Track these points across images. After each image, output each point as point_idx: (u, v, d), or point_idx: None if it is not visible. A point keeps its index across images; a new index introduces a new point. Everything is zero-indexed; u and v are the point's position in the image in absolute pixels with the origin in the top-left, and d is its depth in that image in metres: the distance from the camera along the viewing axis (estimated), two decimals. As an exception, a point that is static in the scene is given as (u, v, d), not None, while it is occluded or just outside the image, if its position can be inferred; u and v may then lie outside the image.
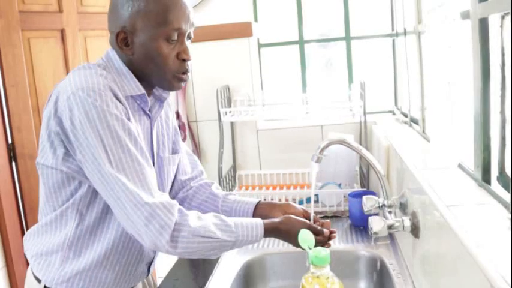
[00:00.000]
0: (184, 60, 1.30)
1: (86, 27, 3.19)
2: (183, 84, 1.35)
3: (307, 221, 1.36)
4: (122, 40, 1.29)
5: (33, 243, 1.38)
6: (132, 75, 1.31)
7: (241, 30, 2.49)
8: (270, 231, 1.32)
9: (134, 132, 1.22)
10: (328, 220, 1.42)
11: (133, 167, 1.20)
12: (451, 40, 1.60)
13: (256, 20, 2.66)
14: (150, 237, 1.18)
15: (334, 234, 1.37)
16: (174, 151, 1.53)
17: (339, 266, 1.76)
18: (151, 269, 1.51)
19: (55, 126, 1.22)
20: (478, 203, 1.10)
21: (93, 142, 1.17)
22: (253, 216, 1.48)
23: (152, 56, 1.28)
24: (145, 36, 1.27)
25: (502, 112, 1.16)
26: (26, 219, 3.24)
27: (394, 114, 2.48)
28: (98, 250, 1.33)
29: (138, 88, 1.31)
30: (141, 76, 1.32)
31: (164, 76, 1.31)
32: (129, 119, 1.24)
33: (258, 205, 1.50)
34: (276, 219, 1.35)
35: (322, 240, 1.33)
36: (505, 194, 1.10)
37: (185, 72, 1.32)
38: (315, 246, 1.25)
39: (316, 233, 1.32)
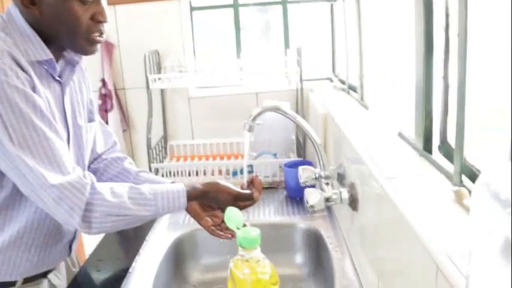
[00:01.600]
0: (100, 22, 1.16)
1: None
2: (96, 47, 1.21)
3: (235, 188, 1.28)
4: None
5: None
6: (38, 37, 1.15)
7: (171, -8, 2.33)
8: (195, 199, 1.27)
9: (39, 104, 1.08)
10: (258, 177, 1.35)
11: (40, 143, 1.07)
12: (392, 3, 1.52)
13: (187, -20, 2.49)
14: (61, 218, 1.10)
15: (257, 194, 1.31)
16: (90, 119, 1.39)
17: (274, 239, 1.69)
18: (73, 247, 1.39)
19: None
20: (419, 174, 1.03)
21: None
22: None
23: (63, 18, 1.13)
24: None
25: (445, 77, 1.08)
26: None
27: (331, 81, 2.40)
28: (9, 231, 1.21)
29: (44, 53, 1.15)
30: (49, 39, 1.16)
31: (76, 39, 1.16)
32: (34, 88, 1.10)
33: None
34: (201, 186, 1.27)
35: (253, 203, 1.29)
36: (446, 164, 1.04)
37: (99, 34, 1.18)
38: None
39: (245, 198, 1.27)
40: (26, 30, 1.14)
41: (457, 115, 0.93)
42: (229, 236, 1.27)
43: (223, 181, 1.30)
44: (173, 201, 1.20)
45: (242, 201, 1.28)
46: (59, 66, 1.22)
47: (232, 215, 0.93)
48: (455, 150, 0.94)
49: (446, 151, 1.09)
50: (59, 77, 1.23)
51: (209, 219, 1.30)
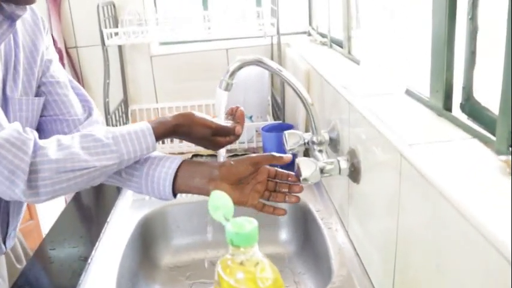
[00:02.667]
0: None
1: None
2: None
3: (214, 120, 1.08)
4: None
5: None
6: None
7: None
8: (164, 136, 1.04)
9: None
10: (240, 108, 1.15)
11: None
12: None
13: None
14: None
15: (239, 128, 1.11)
16: (39, 93, 1.13)
17: (253, 213, 1.48)
18: (8, 244, 1.16)
19: None
20: (447, 138, 0.83)
21: None
22: None
23: None
24: None
25: (473, 19, 0.87)
26: None
27: (309, 35, 2.17)
28: None
29: None
30: None
31: None
32: None
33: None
34: (170, 119, 1.05)
35: (236, 139, 1.12)
36: (475, 125, 0.84)
37: None
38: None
39: (226, 132, 1.09)
40: None
41: (504, 66, 0.72)
42: (282, 211, 1.08)
43: (199, 112, 1.08)
44: (138, 142, 0.98)
45: (223, 136, 1.08)
46: None
47: (219, 202, 0.66)
48: (502, 110, 0.73)
49: (473, 109, 0.89)
50: None
51: (255, 194, 1.06)
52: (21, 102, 1.07)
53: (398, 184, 0.84)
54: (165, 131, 1.03)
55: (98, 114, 1.23)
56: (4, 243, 1.15)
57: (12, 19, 0.99)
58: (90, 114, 1.21)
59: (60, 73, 1.17)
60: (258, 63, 1.16)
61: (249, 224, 0.66)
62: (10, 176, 0.86)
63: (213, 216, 0.68)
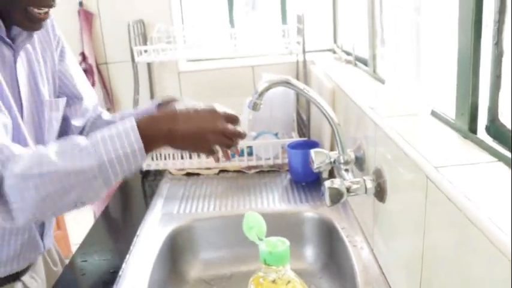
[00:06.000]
0: None
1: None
2: (39, 25, 1.01)
3: (222, 108, 1.05)
4: None
5: None
6: None
7: (156, -46, 2.10)
8: (156, 132, 0.95)
9: None
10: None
11: None
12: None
13: None
14: None
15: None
16: (57, 95, 1.18)
17: (279, 230, 1.49)
18: (45, 240, 1.20)
19: None
20: (473, 161, 0.84)
21: None
22: None
23: None
24: None
25: (498, 43, 0.89)
26: None
27: (334, 52, 2.20)
28: None
29: None
30: None
31: (13, 11, 0.97)
32: None
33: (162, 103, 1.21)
34: (166, 112, 1.00)
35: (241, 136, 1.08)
36: (501, 148, 0.86)
37: (43, 10, 0.98)
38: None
39: (235, 119, 1.06)
40: None
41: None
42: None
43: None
44: (119, 140, 0.91)
45: (233, 123, 1.05)
46: (14, 29, 1.03)
47: (253, 223, 0.69)
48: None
49: (498, 132, 0.90)
50: (11, 40, 1.02)
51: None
52: (52, 104, 1.13)
53: (424, 205, 0.86)
54: (153, 123, 0.96)
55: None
56: (42, 239, 1.19)
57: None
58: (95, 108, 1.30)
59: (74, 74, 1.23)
60: (286, 84, 1.19)
61: (281, 244, 0.69)
62: None
63: (247, 236, 0.71)
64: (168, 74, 2.20)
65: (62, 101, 1.17)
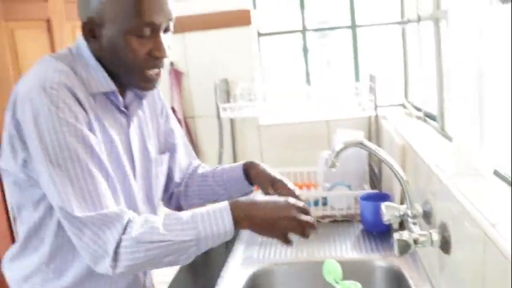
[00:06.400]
0: (157, 58, 1.14)
1: (74, 16, 2.96)
2: (152, 85, 1.19)
3: (296, 201, 1.14)
4: (89, 31, 1.13)
5: (13, 267, 1.25)
6: (102, 69, 1.15)
7: (239, 19, 2.33)
8: (244, 217, 1.09)
9: (89, 140, 1.08)
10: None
11: (83, 178, 1.06)
12: (482, 26, 1.43)
13: (254, 7, 2.48)
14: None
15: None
16: (163, 151, 1.37)
17: (350, 277, 1.61)
18: (147, 280, 1.38)
19: (13, 128, 1.09)
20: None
21: (38, 151, 1.05)
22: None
23: (119, 52, 1.12)
24: (113, 29, 1.11)
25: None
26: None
27: (404, 108, 2.32)
28: (79, 266, 1.18)
29: (108, 85, 1.16)
30: (112, 71, 1.16)
31: (132, 75, 1.16)
32: (89, 123, 1.10)
33: (245, 167, 1.37)
34: (249, 200, 1.13)
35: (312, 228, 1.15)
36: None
37: (156, 70, 1.16)
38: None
39: (306, 212, 1.14)
40: (91, 63, 1.16)
41: None
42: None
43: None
44: (215, 220, 1.07)
45: (305, 213, 1.14)
46: (127, 99, 1.23)
47: (331, 268, 0.85)
48: None
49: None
50: (126, 108, 1.22)
51: None
52: (157, 160, 1.32)
53: (483, 260, 0.96)
54: (244, 215, 1.10)
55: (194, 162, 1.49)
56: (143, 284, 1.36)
57: (140, 97, 1.26)
58: (191, 164, 1.47)
59: (175, 132, 1.43)
60: (360, 145, 1.33)
61: (354, 286, 0.82)
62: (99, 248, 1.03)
63: (326, 279, 0.85)
64: (249, 127, 2.39)
65: (166, 157, 1.37)
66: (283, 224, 1.11)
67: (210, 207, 1.10)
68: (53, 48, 3.19)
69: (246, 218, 1.10)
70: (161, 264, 1.09)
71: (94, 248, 1.04)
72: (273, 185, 1.30)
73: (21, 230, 1.22)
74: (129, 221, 1.06)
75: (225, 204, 1.09)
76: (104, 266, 1.05)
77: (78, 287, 1.20)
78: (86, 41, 1.15)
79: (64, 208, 1.04)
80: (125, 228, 1.05)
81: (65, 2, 2.97)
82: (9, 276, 1.25)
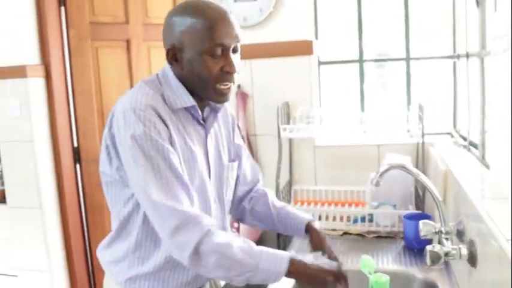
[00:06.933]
0: (228, 73, 1.39)
1: (151, 38, 3.32)
2: (225, 98, 1.43)
3: (336, 269, 1.34)
4: (172, 56, 1.40)
5: (106, 253, 1.52)
6: (184, 88, 1.42)
7: (303, 49, 2.56)
8: (295, 270, 1.30)
9: (168, 153, 1.32)
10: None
11: (166, 177, 1.31)
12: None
13: (316, 38, 2.71)
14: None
15: None
16: (232, 159, 1.63)
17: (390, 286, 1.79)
18: None
19: (109, 139, 1.37)
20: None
21: (128, 159, 1.32)
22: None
23: (198, 71, 1.38)
24: (191, 53, 1.37)
25: None
26: (87, 218, 3.40)
27: (452, 136, 2.48)
28: (159, 256, 1.43)
29: (189, 100, 1.42)
30: (192, 89, 1.42)
31: (206, 88, 1.40)
32: (170, 138, 1.35)
33: (308, 227, 1.60)
34: (305, 260, 1.33)
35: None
36: None
37: (227, 84, 1.40)
38: None
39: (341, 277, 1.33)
40: (174, 83, 1.42)
41: None
42: None
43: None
44: (275, 262, 1.27)
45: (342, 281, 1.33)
46: (205, 113, 1.49)
47: (367, 262, 1.12)
48: None
49: None
50: (204, 121, 1.48)
51: None
52: (228, 167, 1.58)
53: (499, 272, 1.14)
54: (298, 268, 1.29)
55: (261, 183, 1.73)
56: None
57: (215, 111, 1.52)
58: (258, 181, 1.72)
59: (242, 147, 1.68)
60: (402, 168, 1.53)
61: (383, 277, 1.04)
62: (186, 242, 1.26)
63: (362, 270, 1.08)
64: (305, 147, 2.61)
65: (235, 164, 1.63)
66: (324, 285, 1.31)
67: (276, 251, 1.32)
68: (130, 65, 3.54)
69: (296, 273, 1.30)
70: (220, 275, 1.32)
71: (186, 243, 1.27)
72: (323, 248, 1.52)
73: (113, 222, 1.49)
74: (214, 228, 1.30)
75: (287, 255, 1.30)
76: (185, 258, 1.28)
77: (157, 273, 1.45)
78: (169, 64, 1.43)
79: (145, 192, 1.29)
80: (207, 231, 1.28)
81: (143, 25, 3.31)
82: (102, 260, 1.53)
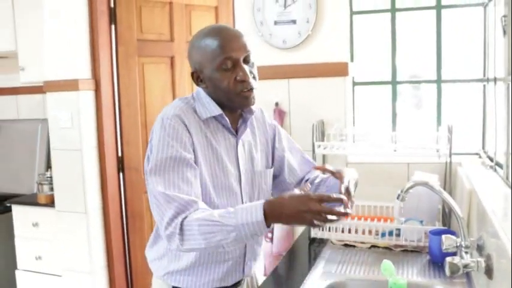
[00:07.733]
0: (243, 81, 1.55)
1: (195, 55, 3.47)
2: (249, 100, 1.59)
3: (310, 205, 1.35)
4: (197, 78, 1.60)
5: (151, 251, 1.73)
6: (212, 101, 1.61)
7: (338, 70, 2.69)
8: (271, 214, 1.37)
9: (182, 156, 1.50)
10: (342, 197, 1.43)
11: (177, 174, 1.50)
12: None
13: (352, 60, 2.84)
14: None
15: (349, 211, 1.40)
16: (268, 166, 1.78)
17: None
18: (246, 269, 1.75)
19: (148, 149, 1.58)
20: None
21: (152, 160, 1.52)
22: None
23: (217, 85, 1.57)
24: (209, 71, 1.56)
25: None
26: (128, 224, 3.58)
27: (480, 157, 2.57)
28: (191, 254, 1.62)
29: (216, 109, 1.60)
30: (220, 103, 1.60)
31: (230, 98, 1.58)
32: (192, 144, 1.54)
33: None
34: (279, 198, 1.41)
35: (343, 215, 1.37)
36: None
37: (247, 89, 1.56)
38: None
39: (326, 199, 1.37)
40: (205, 99, 1.62)
41: None
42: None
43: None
44: (251, 213, 1.36)
45: (328, 201, 1.37)
46: (238, 124, 1.67)
47: (387, 266, 1.28)
48: None
49: None
50: (236, 131, 1.66)
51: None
52: (260, 174, 1.73)
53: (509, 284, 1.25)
54: (274, 204, 1.39)
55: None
56: (243, 269, 1.74)
57: (245, 122, 1.68)
58: (310, 169, 1.90)
59: (287, 152, 1.85)
60: (425, 185, 1.65)
61: (402, 280, 1.18)
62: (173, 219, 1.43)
63: (383, 273, 1.21)
64: (338, 163, 2.71)
65: (270, 171, 1.78)
66: (307, 217, 1.37)
67: (251, 203, 1.43)
68: (173, 81, 3.74)
69: (274, 217, 1.38)
70: (214, 242, 1.39)
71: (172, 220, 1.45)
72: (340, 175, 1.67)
73: (155, 223, 1.65)
74: (196, 207, 1.45)
75: (260, 202, 1.40)
76: (170, 237, 1.44)
77: (190, 268, 1.64)
78: (197, 85, 1.63)
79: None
80: (193, 210, 1.45)
81: (186, 42, 3.51)
82: (148, 256, 1.71)
